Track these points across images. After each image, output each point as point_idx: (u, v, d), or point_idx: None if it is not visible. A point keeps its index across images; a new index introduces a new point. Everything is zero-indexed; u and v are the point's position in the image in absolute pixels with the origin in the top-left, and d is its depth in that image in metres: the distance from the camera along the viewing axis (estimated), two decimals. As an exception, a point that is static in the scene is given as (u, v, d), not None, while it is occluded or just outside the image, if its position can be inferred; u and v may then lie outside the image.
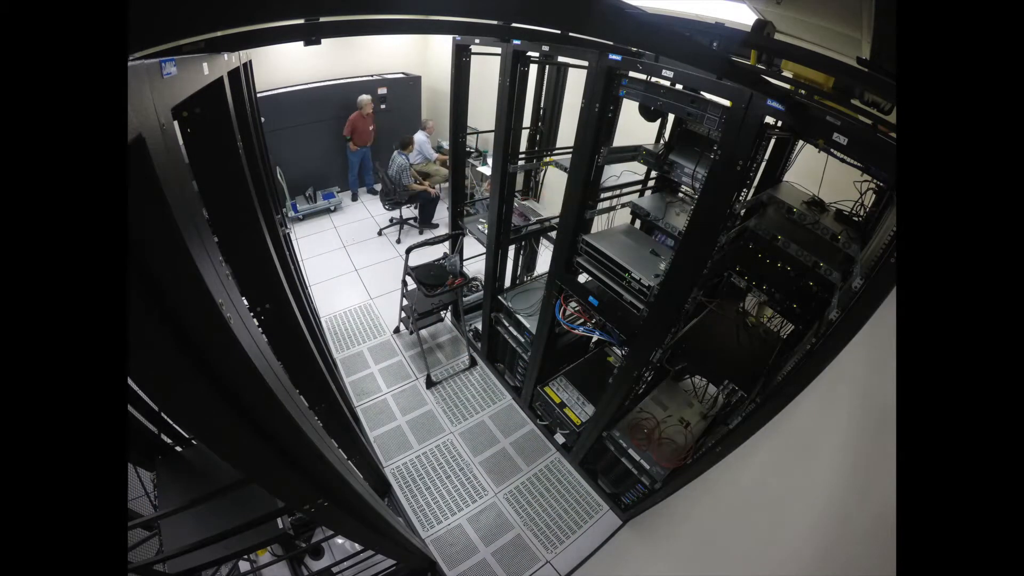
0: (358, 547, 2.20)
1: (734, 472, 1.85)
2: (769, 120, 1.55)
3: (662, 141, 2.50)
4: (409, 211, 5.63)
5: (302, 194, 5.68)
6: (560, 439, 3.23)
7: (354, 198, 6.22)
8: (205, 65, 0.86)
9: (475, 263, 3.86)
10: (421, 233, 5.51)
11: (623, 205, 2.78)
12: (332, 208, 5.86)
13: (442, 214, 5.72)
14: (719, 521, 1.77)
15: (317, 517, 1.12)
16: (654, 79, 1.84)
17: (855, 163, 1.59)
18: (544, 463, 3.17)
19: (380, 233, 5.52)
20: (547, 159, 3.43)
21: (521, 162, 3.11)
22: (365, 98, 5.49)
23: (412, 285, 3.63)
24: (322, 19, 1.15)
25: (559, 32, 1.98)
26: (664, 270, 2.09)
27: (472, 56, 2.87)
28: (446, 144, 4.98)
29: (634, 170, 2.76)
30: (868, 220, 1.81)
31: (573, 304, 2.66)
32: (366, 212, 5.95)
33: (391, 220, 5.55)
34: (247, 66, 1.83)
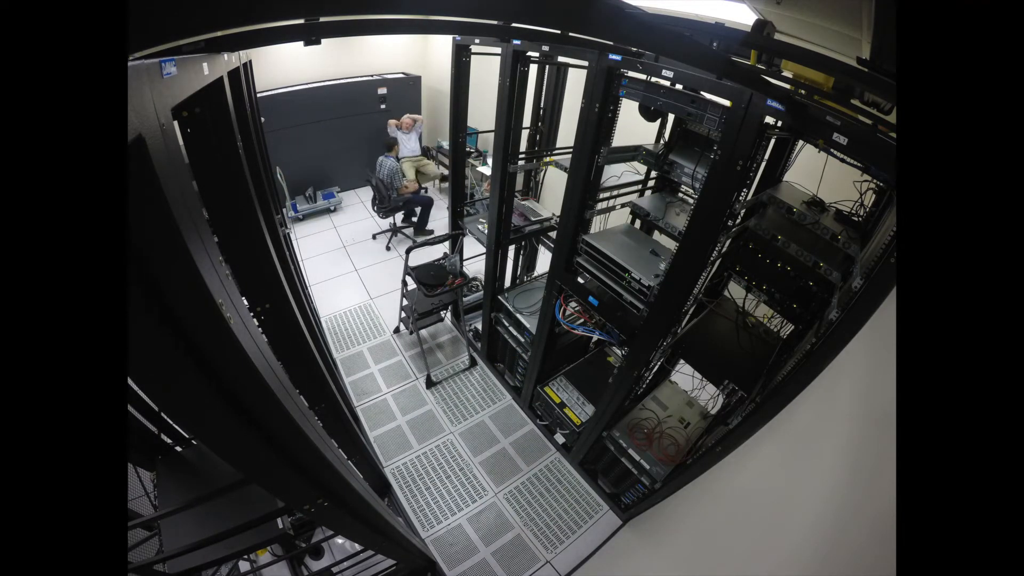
0: (358, 547, 2.20)
1: (734, 472, 1.85)
2: (769, 120, 1.55)
3: (662, 141, 2.50)
4: (401, 218, 5.50)
5: (302, 194, 5.67)
6: (560, 439, 3.23)
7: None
8: (205, 65, 0.86)
9: (475, 263, 3.86)
10: (416, 244, 5.35)
11: (623, 205, 2.78)
12: (332, 208, 5.86)
13: (438, 217, 5.69)
14: (719, 521, 1.77)
15: (317, 517, 1.12)
16: (654, 79, 1.84)
17: (855, 163, 1.59)
18: (544, 463, 3.17)
19: (374, 237, 5.45)
20: (547, 159, 3.43)
21: (521, 162, 3.11)
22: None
23: (412, 285, 3.63)
24: (322, 19, 1.15)
25: (559, 32, 1.98)
26: (664, 270, 2.09)
27: (472, 56, 2.87)
28: (446, 144, 4.97)
29: (635, 168, 2.76)
30: (868, 220, 1.81)
31: (573, 304, 2.66)
32: (366, 212, 5.94)
33: (391, 225, 5.45)
34: (247, 66, 1.84)
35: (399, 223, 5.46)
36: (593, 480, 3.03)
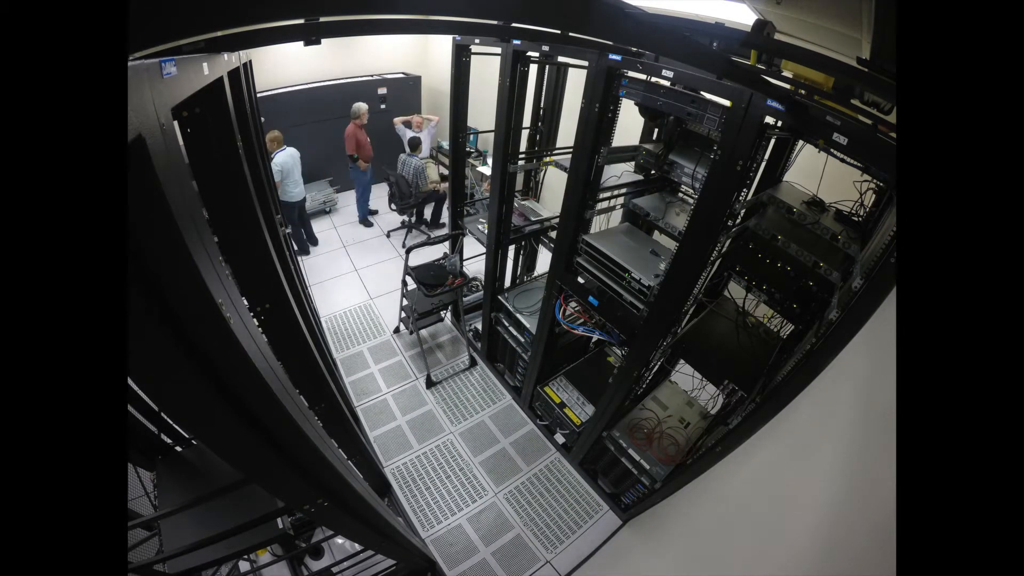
0: (358, 547, 2.20)
1: (734, 472, 1.85)
2: (769, 120, 1.55)
3: (652, 137, 2.49)
4: (417, 214, 5.54)
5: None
6: (560, 439, 3.23)
7: (367, 224, 5.65)
8: (205, 65, 0.86)
9: (475, 263, 3.86)
10: (415, 244, 5.36)
11: (622, 205, 2.78)
12: (327, 209, 5.82)
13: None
14: (719, 521, 1.77)
15: (317, 517, 1.12)
16: (654, 79, 1.84)
17: (855, 163, 1.59)
18: (544, 463, 3.17)
19: (388, 235, 5.44)
20: (547, 159, 3.43)
21: (521, 162, 3.11)
22: (361, 106, 5.00)
23: (412, 285, 3.63)
24: (322, 19, 1.15)
25: (559, 32, 1.98)
26: (664, 270, 2.09)
27: (472, 56, 2.87)
28: (446, 144, 4.96)
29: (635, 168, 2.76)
30: (868, 220, 1.81)
31: (573, 304, 2.66)
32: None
33: (402, 223, 5.45)
34: (247, 66, 1.83)
35: (413, 220, 5.45)
36: (593, 480, 3.03)
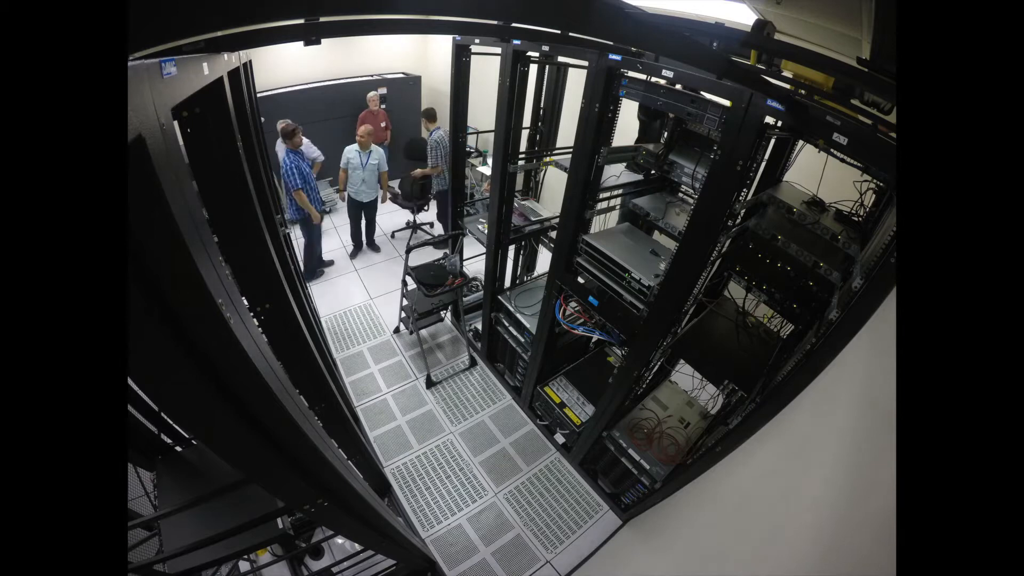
0: (358, 547, 2.20)
1: (734, 472, 1.85)
2: (769, 120, 1.55)
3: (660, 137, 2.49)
4: (421, 216, 5.53)
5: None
6: (560, 439, 3.23)
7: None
8: (205, 65, 0.86)
9: (475, 263, 3.86)
10: (415, 244, 5.20)
11: (622, 205, 2.78)
12: (328, 209, 5.82)
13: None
14: (719, 521, 1.77)
15: (317, 517, 1.12)
16: (654, 79, 1.84)
17: (855, 163, 1.59)
18: (544, 463, 3.17)
19: (393, 236, 5.41)
20: (547, 159, 3.43)
21: (521, 162, 3.11)
22: (372, 94, 5.54)
23: (412, 285, 3.63)
24: (322, 19, 1.15)
25: (559, 32, 1.98)
26: (664, 270, 2.09)
27: (472, 56, 2.87)
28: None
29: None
30: (868, 220, 1.81)
31: (573, 304, 2.66)
32: (366, 212, 5.94)
33: (407, 223, 5.43)
34: (247, 66, 1.83)
35: (420, 221, 5.42)
36: (593, 480, 3.03)
